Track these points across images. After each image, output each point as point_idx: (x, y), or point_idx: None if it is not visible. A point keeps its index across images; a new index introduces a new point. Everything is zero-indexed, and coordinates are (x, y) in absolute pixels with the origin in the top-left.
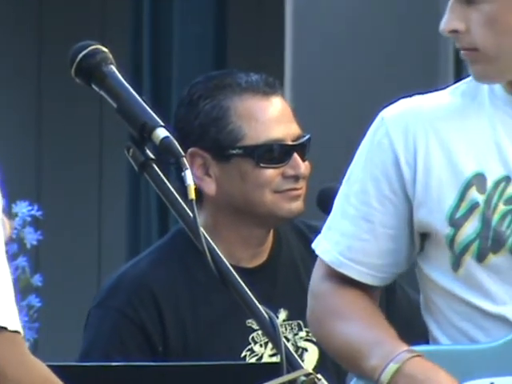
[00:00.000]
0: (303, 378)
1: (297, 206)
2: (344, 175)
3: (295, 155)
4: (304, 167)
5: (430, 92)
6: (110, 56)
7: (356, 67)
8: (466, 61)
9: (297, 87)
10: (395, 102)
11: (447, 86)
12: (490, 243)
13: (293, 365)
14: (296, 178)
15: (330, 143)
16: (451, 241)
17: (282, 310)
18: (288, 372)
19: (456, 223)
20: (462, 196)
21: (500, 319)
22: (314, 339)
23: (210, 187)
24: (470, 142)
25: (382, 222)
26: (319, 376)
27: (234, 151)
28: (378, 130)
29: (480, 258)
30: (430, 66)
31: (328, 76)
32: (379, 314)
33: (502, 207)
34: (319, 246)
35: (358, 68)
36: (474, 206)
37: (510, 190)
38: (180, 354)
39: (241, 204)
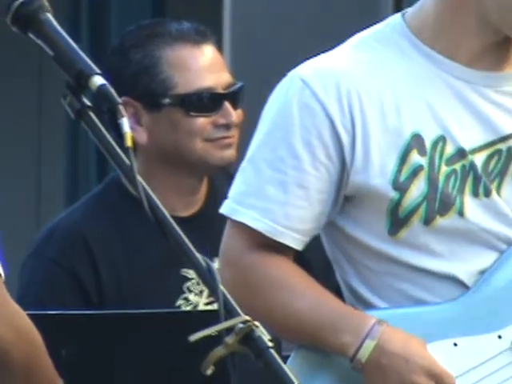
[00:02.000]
0: (241, 325)
1: (229, 154)
2: None
3: (226, 103)
4: (236, 116)
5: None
6: (47, 3)
7: (291, 14)
8: None
9: (235, 36)
10: (335, 44)
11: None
12: (437, 206)
13: (231, 312)
14: (227, 126)
15: (266, 92)
16: (396, 204)
17: (215, 259)
18: (226, 319)
19: (401, 187)
20: (403, 159)
21: (447, 278)
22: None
23: (141, 136)
24: (402, 101)
25: (316, 187)
26: (257, 323)
27: (165, 100)
28: (301, 92)
29: (427, 221)
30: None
31: (265, 24)
32: (316, 283)
33: (444, 168)
34: (239, 213)
35: (295, 12)
36: (417, 169)
37: (449, 149)
38: (114, 302)
39: (172, 153)
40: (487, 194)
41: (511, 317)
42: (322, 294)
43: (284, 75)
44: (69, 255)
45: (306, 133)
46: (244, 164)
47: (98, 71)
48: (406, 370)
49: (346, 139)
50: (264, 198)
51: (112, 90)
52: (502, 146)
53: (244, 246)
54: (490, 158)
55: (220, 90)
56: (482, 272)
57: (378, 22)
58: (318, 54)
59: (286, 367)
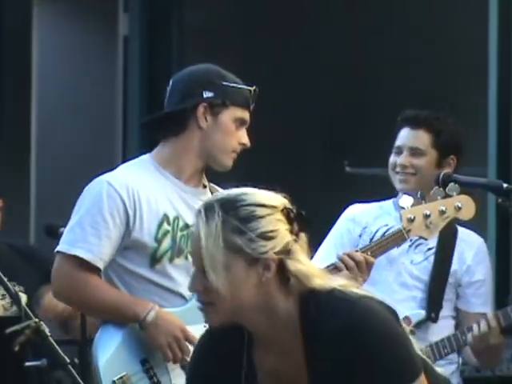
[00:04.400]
0: (33, 324)
1: None
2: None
3: None
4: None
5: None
6: None
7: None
8: None
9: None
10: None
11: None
12: (176, 252)
13: (28, 316)
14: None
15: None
16: (155, 250)
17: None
18: (26, 320)
19: (158, 240)
20: (159, 226)
21: (178, 294)
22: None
23: None
24: (156, 196)
25: (115, 238)
26: (41, 322)
27: None
28: (108, 188)
29: (171, 259)
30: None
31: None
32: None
33: (179, 233)
34: (72, 250)
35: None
36: (166, 232)
37: (181, 223)
38: None
39: None
40: None
41: None
42: (119, 291)
43: None
44: None
45: (110, 209)
46: (72, 226)
47: None
48: (171, 327)
49: (131, 214)
50: (87, 243)
51: None
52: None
53: (74, 268)
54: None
55: None
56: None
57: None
58: None
59: (57, 346)
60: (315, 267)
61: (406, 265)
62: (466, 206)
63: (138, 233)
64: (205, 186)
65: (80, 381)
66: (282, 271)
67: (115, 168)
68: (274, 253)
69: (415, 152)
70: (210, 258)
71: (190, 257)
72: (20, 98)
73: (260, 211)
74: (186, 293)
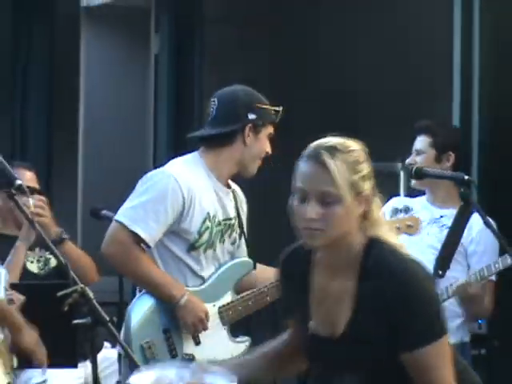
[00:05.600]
0: (79, 289)
1: None
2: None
3: None
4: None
5: None
6: None
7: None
8: None
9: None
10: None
11: None
12: (209, 244)
13: (75, 281)
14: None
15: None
16: (196, 241)
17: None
18: (74, 285)
19: (200, 234)
20: (203, 222)
21: (199, 277)
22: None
23: None
24: (205, 196)
25: (169, 224)
26: (86, 288)
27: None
28: (174, 184)
29: (204, 250)
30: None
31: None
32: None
33: (215, 229)
34: (138, 228)
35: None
36: (207, 228)
37: (216, 220)
38: None
39: None
40: (222, 241)
41: (219, 296)
42: (163, 272)
43: None
44: None
45: (172, 203)
46: (135, 206)
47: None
48: (197, 309)
49: (186, 208)
50: (147, 225)
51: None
52: (230, 222)
53: (131, 241)
54: (225, 226)
55: None
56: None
57: None
58: None
59: (98, 307)
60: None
61: (422, 236)
62: (415, 225)
63: (186, 224)
64: (229, 187)
65: (118, 336)
66: (367, 210)
67: (148, 161)
68: (369, 191)
69: (418, 152)
70: (334, 190)
71: (217, 248)
72: (70, 106)
73: (362, 157)
74: (206, 277)
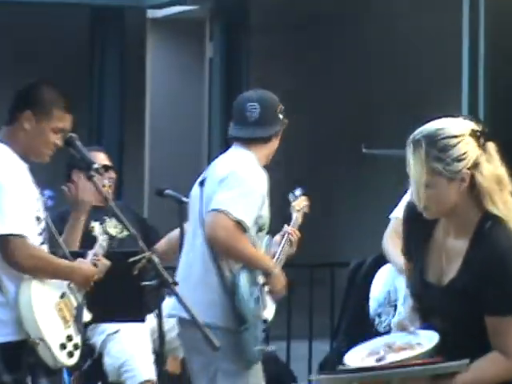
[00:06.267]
0: (147, 255)
1: None
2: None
3: None
4: None
5: None
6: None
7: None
8: None
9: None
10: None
11: None
12: (266, 229)
13: (144, 250)
14: None
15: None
16: (263, 225)
17: None
18: (143, 252)
19: (265, 221)
20: (267, 212)
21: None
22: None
23: None
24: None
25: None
26: (152, 255)
27: None
28: (265, 180)
29: (263, 232)
30: None
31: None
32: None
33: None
34: (240, 216)
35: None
36: (267, 217)
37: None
38: None
39: None
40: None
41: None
42: (257, 250)
43: None
44: None
45: (263, 195)
46: (235, 196)
47: None
48: (283, 278)
49: (265, 200)
50: (247, 213)
51: None
52: None
53: (234, 226)
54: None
55: None
56: None
57: None
58: None
59: (163, 271)
60: (500, 176)
61: None
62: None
63: (263, 212)
64: None
65: (180, 296)
66: (474, 184)
67: (203, 150)
68: (467, 168)
69: None
70: (417, 180)
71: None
72: (138, 102)
73: (453, 141)
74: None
